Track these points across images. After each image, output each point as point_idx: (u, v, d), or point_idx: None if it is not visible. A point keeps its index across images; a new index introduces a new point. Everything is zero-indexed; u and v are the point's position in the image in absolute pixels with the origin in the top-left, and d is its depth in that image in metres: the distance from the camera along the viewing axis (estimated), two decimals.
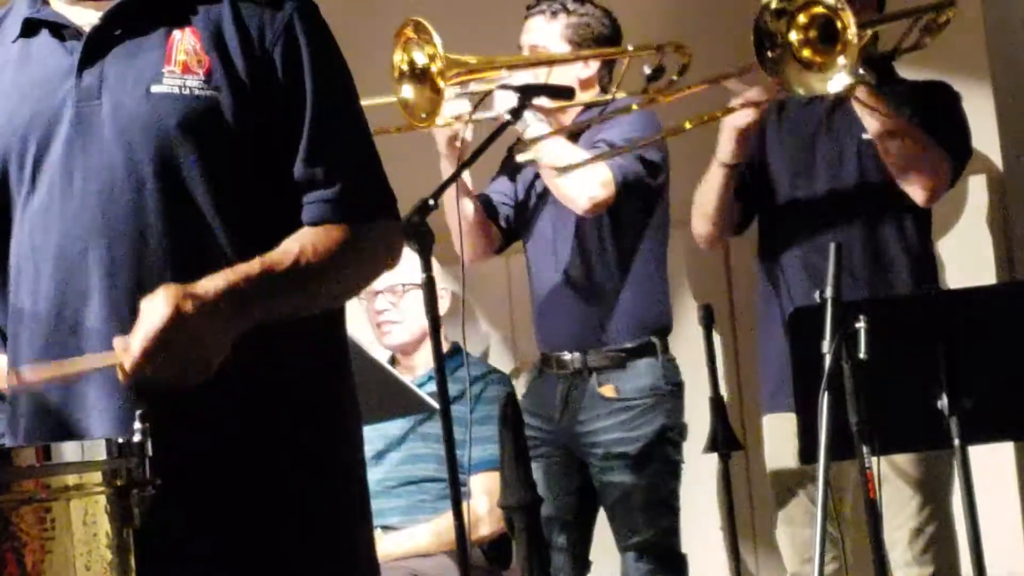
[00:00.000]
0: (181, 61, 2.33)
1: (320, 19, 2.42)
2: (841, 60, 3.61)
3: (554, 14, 4.21)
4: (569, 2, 4.21)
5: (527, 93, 4.00)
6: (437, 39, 3.91)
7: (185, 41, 2.34)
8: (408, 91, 3.98)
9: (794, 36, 3.70)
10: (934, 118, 3.86)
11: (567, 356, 4.16)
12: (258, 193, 2.35)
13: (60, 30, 2.39)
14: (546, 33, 4.21)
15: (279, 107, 2.34)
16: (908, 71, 4.09)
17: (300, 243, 2.31)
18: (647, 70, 4.10)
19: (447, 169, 4.06)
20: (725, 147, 3.93)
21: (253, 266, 2.26)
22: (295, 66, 2.35)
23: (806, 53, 3.68)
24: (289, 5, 2.38)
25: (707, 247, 4.19)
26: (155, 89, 2.32)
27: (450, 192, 3.88)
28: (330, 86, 2.38)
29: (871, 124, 3.81)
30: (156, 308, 2.18)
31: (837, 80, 3.62)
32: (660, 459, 4.09)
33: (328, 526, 2.36)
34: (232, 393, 2.28)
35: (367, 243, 2.38)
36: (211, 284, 2.22)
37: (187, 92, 2.32)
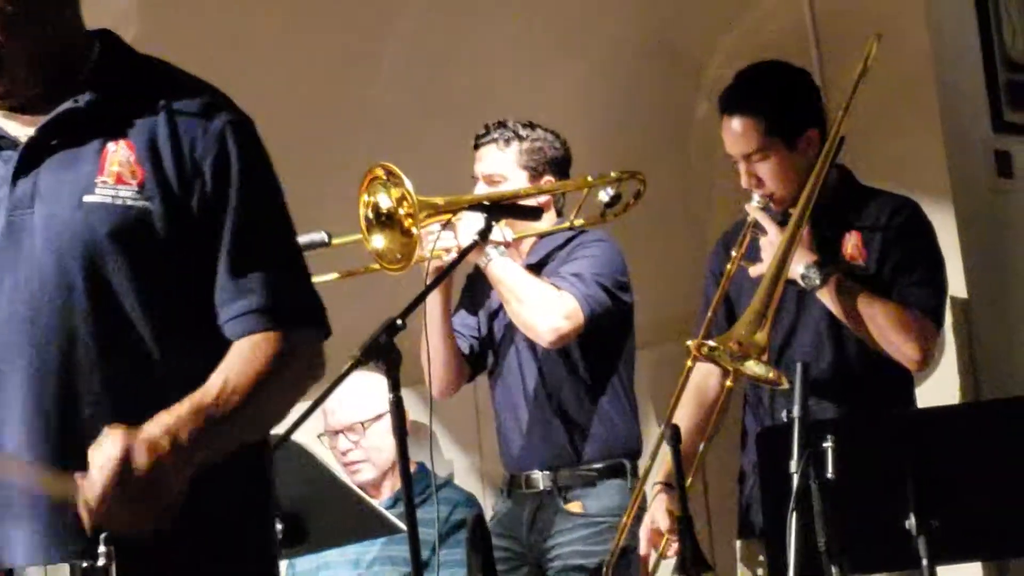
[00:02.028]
0: (115, 172, 2.35)
1: (253, 134, 2.42)
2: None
3: (507, 142, 4.24)
4: (520, 128, 4.25)
5: (494, 213, 4.02)
6: (408, 183, 3.93)
7: (120, 152, 2.36)
8: (379, 240, 3.99)
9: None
10: (908, 274, 3.83)
11: (536, 475, 4.16)
12: (188, 302, 2.36)
13: None
14: (500, 161, 4.24)
15: (208, 219, 2.35)
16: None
17: (224, 374, 2.31)
18: (604, 197, 4.17)
19: (433, 302, 4.07)
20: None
21: (183, 409, 2.25)
22: (223, 177, 2.36)
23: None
24: (223, 118, 2.38)
25: None
26: (87, 199, 2.33)
27: (425, 327, 3.90)
28: (256, 198, 2.38)
29: (839, 315, 3.79)
30: (110, 457, 2.17)
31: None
32: None
33: None
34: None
35: (291, 357, 2.37)
36: (154, 428, 2.21)
37: (119, 202, 2.33)
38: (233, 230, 2.35)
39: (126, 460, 2.16)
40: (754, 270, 3.83)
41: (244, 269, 2.36)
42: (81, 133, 2.38)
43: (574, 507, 4.12)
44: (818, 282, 3.75)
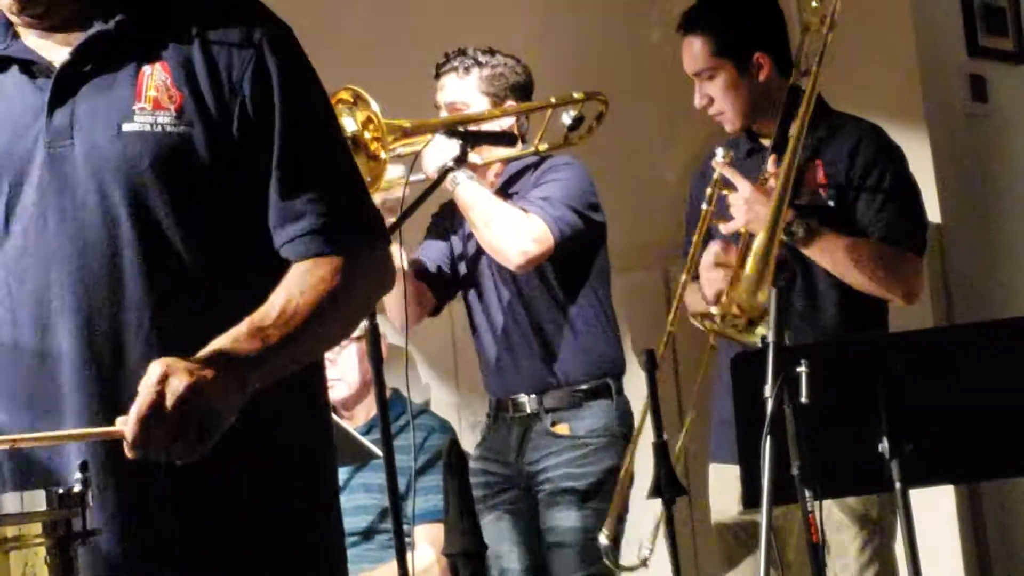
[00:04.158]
0: (152, 97, 2.30)
1: (292, 43, 2.37)
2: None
3: (467, 69, 4.22)
4: (479, 55, 4.23)
5: (469, 139, 4.02)
6: (374, 105, 3.92)
7: (156, 77, 2.31)
8: None
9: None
10: (886, 210, 3.84)
11: (522, 399, 4.18)
12: (234, 228, 2.32)
13: (30, 66, 2.35)
14: (462, 89, 4.23)
15: (251, 139, 2.30)
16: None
17: (287, 293, 2.26)
18: (567, 120, 4.17)
19: None
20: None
21: (241, 330, 2.21)
22: (265, 96, 2.31)
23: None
24: (257, 34, 2.33)
25: None
26: (126, 127, 2.29)
27: None
28: (302, 113, 2.34)
29: (827, 267, 3.82)
30: (148, 383, 2.13)
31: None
32: (606, 500, 4.10)
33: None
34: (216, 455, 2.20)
35: (356, 274, 2.33)
36: (203, 355, 2.17)
37: (158, 129, 2.28)
38: (281, 150, 2.31)
39: (162, 387, 2.12)
40: (725, 228, 3.83)
41: (295, 189, 2.31)
42: (115, 57, 2.33)
43: (561, 429, 4.13)
44: (802, 234, 3.76)
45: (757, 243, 3.71)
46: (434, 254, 4.33)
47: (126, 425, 2.13)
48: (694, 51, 3.95)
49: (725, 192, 3.84)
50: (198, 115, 2.29)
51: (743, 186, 3.79)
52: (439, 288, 4.31)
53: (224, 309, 2.27)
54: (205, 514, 2.27)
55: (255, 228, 2.33)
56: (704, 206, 3.90)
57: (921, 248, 3.89)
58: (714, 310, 3.69)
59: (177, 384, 2.12)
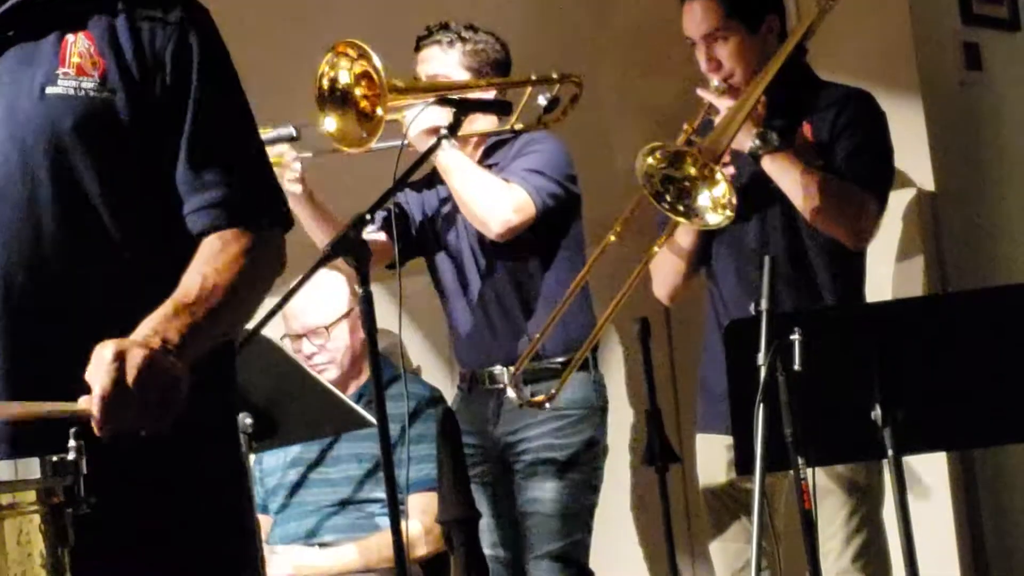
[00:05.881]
0: (75, 63, 2.34)
1: (212, 25, 2.42)
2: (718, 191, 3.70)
3: (450, 43, 4.24)
4: (462, 30, 4.24)
5: (463, 108, 4.02)
6: (377, 60, 3.91)
7: (79, 43, 2.35)
8: (331, 122, 3.98)
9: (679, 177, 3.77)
10: (854, 155, 3.85)
11: (498, 370, 4.17)
12: (155, 194, 2.35)
13: None
14: (444, 62, 4.24)
15: (168, 110, 2.34)
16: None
17: (203, 270, 2.29)
18: (543, 101, 4.19)
19: (309, 223, 4.09)
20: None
21: (167, 309, 2.23)
22: (184, 70, 2.35)
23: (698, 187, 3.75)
24: (179, 12, 2.38)
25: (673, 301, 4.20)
26: (50, 91, 2.33)
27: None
28: (216, 90, 2.38)
29: (783, 186, 3.81)
30: (104, 363, 2.13)
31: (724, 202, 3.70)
32: (584, 471, 4.12)
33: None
34: None
35: (263, 251, 2.37)
36: (141, 331, 2.19)
37: (82, 94, 2.32)
38: (193, 122, 2.35)
39: (120, 362, 2.13)
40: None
41: (204, 161, 2.35)
42: (38, 25, 2.37)
43: (540, 399, 4.12)
44: (774, 143, 3.77)
45: (736, 102, 3.80)
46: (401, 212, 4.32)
47: (91, 405, 2.13)
48: (703, 13, 3.91)
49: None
50: (121, 82, 2.34)
51: (726, 104, 3.83)
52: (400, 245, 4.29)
53: (143, 271, 2.32)
54: (112, 484, 2.19)
55: (173, 195, 2.36)
56: (685, 126, 3.92)
57: (882, 197, 3.88)
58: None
59: (135, 359, 2.13)
